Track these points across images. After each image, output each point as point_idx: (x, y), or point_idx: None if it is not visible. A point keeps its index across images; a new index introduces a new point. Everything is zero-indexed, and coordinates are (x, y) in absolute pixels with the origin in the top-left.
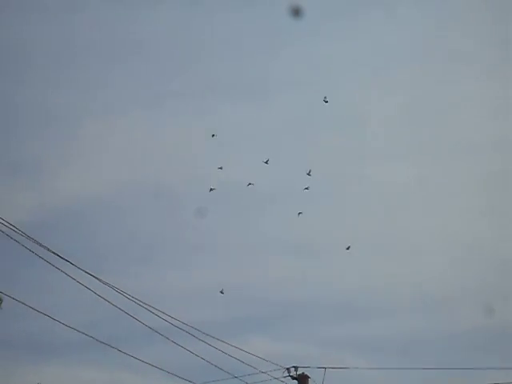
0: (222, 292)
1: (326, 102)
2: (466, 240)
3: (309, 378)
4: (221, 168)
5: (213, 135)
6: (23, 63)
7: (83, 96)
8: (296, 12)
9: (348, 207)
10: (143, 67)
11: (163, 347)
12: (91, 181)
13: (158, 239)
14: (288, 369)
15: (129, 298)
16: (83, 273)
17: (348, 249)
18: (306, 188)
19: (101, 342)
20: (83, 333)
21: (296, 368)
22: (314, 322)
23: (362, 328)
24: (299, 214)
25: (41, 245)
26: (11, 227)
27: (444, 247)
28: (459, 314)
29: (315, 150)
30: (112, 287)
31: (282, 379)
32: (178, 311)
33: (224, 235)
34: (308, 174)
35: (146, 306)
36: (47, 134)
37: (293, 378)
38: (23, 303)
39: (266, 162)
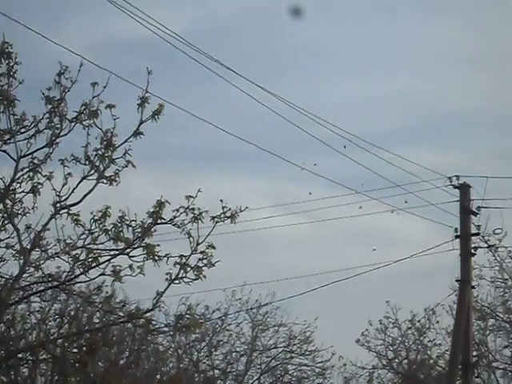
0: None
1: None
2: None
3: (471, 187)
4: None
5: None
6: None
7: None
8: (296, 12)
9: None
10: None
11: (326, 158)
12: None
13: (321, 49)
14: (450, 178)
15: (293, 107)
16: (246, 82)
17: None
18: None
19: (266, 150)
20: (248, 141)
21: (458, 177)
22: (476, 132)
23: None
24: None
25: (204, 54)
26: (175, 36)
27: None
28: None
29: None
30: (277, 97)
31: (444, 188)
32: (341, 121)
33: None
34: None
35: (310, 116)
36: None
37: (455, 187)
38: (187, 111)
39: None
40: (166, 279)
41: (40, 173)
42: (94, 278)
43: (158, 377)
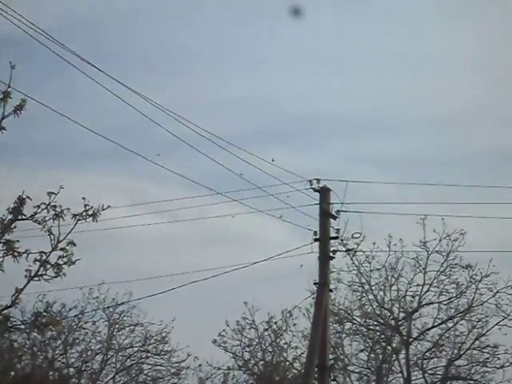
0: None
1: None
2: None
3: (330, 190)
4: None
5: None
6: None
7: None
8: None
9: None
10: None
11: (187, 157)
12: None
13: (186, 50)
14: (310, 181)
15: (155, 105)
16: (109, 79)
17: None
18: None
19: (125, 148)
20: (107, 138)
21: (318, 181)
22: (336, 136)
23: (382, 144)
24: None
25: (67, 49)
26: (38, 31)
27: (458, 64)
28: (476, 134)
29: None
30: (139, 94)
31: (304, 191)
32: (202, 121)
33: (249, 48)
34: None
35: (171, 115)
36: None
37: (315, 190)
38: (47, 106)
39: None
40: (26, 276)
41: None
42: None
43: (13, 374)
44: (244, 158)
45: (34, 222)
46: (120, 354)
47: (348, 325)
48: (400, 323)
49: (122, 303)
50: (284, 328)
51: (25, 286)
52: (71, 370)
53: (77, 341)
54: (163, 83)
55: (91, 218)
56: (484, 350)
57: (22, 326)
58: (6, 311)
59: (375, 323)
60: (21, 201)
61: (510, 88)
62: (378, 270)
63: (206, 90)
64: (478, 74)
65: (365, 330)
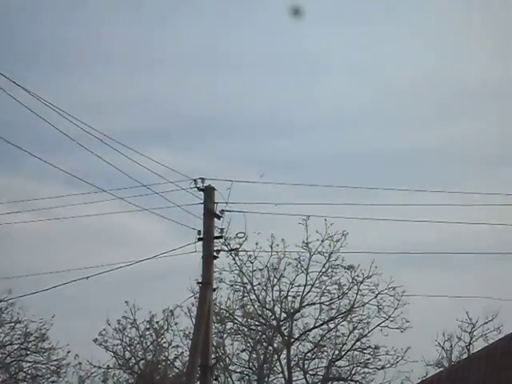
0: None
1: None
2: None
3: (215, 190)
4: None
5: None
6: None
7: None
8: (296, 12)
9: None
10: None
11: (70, 154)
12: None
13: (71, 48)
14: (195, 180)
15: (43, 102)
16: None
17: None
18: None
19: (11, 143)
20: None
21: (203, 180)
22: (218, 137)
23: (264, 145)
24: None
25: None
26: None
27: (341, 68)
28: (358, 136)
29: None
30: (26, 90)
31: (189, 190)
32: (85, 119)
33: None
34: None
35: (58, 111)
36: None
37: (199, 189)
38: None
39: None
40: None
41: None
42: None
43: None
44: (129, 156)
45: None
46: None
47: (229, 324)
48: (281, 323)
49: (1, 300)
50: (165, 327)
51: None
52: None
53: None
54: (47, 80)
55: None
56: (365, 351)
57: None
58: None
59: (257, 323)
60: None
61: (401, 91)
62: (260, 270)
63: (89, 88)
64: (371, 76)
65: (246, 329)
